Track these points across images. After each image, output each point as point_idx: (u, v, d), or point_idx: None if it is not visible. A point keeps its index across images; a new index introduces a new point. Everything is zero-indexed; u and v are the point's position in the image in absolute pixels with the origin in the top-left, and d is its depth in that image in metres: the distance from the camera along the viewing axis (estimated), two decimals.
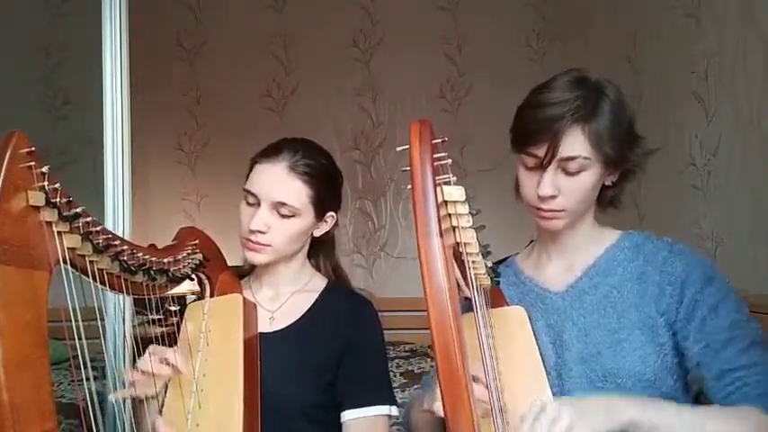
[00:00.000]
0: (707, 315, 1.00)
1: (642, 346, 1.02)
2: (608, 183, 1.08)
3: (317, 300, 1.24)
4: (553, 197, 1.02)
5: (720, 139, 2.22)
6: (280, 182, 1.16)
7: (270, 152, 1.19)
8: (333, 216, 1.26)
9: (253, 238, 1.16)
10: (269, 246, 1.17)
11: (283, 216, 1.16)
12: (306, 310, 1.23)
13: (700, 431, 0.89)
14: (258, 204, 1.17)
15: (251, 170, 1.20)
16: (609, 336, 1.04)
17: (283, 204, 1.16)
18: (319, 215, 1.22)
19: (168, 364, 1.01)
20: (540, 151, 1.00)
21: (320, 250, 1.32)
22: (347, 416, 1.16)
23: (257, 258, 1.19)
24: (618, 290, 1.07)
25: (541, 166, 1.01)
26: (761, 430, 0.91)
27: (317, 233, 1.25)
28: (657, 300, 1.04)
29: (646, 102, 2.76)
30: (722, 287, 1.03)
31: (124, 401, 0.99)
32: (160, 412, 1.04)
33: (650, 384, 1.01)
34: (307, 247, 1.28)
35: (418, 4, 3.72)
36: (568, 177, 1.01)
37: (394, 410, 1.18)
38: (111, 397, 1.00)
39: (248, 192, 1.18)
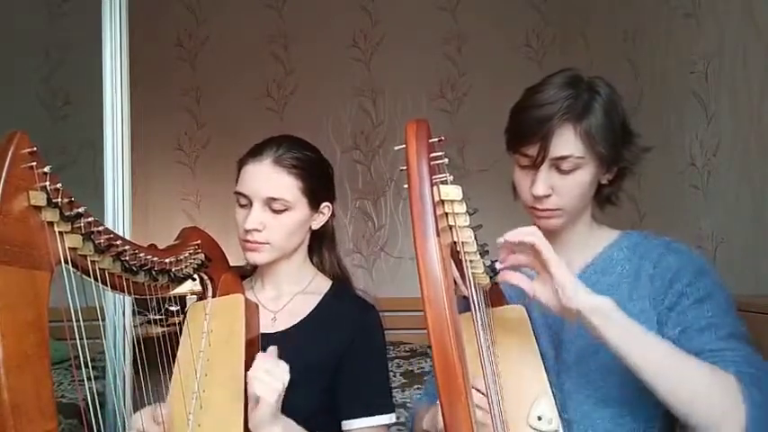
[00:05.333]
0: (690, 305, 0.99)
1: None
2: (604, 181, 1.08)
3: (320, 302, 1.24)
4: (547, 196, 1.02)
5: (720, 139, 2.21)
6: (267, 177, 1.16)
7: (254, 151, 1.20)
8: (328, 207, 1.26)
9: (250, 237, 1.16)
10: (267, 243, 1.17)
11: (276, 211, 1.17)
12: (309, 311, 1.22)
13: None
14: (250, 204, 1.17)
15: (239, 173, 1.21)
16: None
17: (274, 199, 1.16)
18: (314, 207, 1.22)
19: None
20: (532, 151, 1.01)
21: (322, 245, 1.31)
22: (348, 425, 1.16)
23: (257, 258, 1.19)
24: (615, 288, 1.06)
25: (534, 166, 1.02)
26: (735, 401, 0.87)
27: (315, 226, 1.25)
28: (648, 292, 1.03)
29: (646, 102, 2.76)
30: (713, 284, 1.01)
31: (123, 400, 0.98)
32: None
33: None
34: (306, 243, 1.27)
35: (418, 4, 3.73)
36: (562, 176, 1.02)
37: (393, 418, 1.18)
38: None
39: (239, 194, 1.19)
